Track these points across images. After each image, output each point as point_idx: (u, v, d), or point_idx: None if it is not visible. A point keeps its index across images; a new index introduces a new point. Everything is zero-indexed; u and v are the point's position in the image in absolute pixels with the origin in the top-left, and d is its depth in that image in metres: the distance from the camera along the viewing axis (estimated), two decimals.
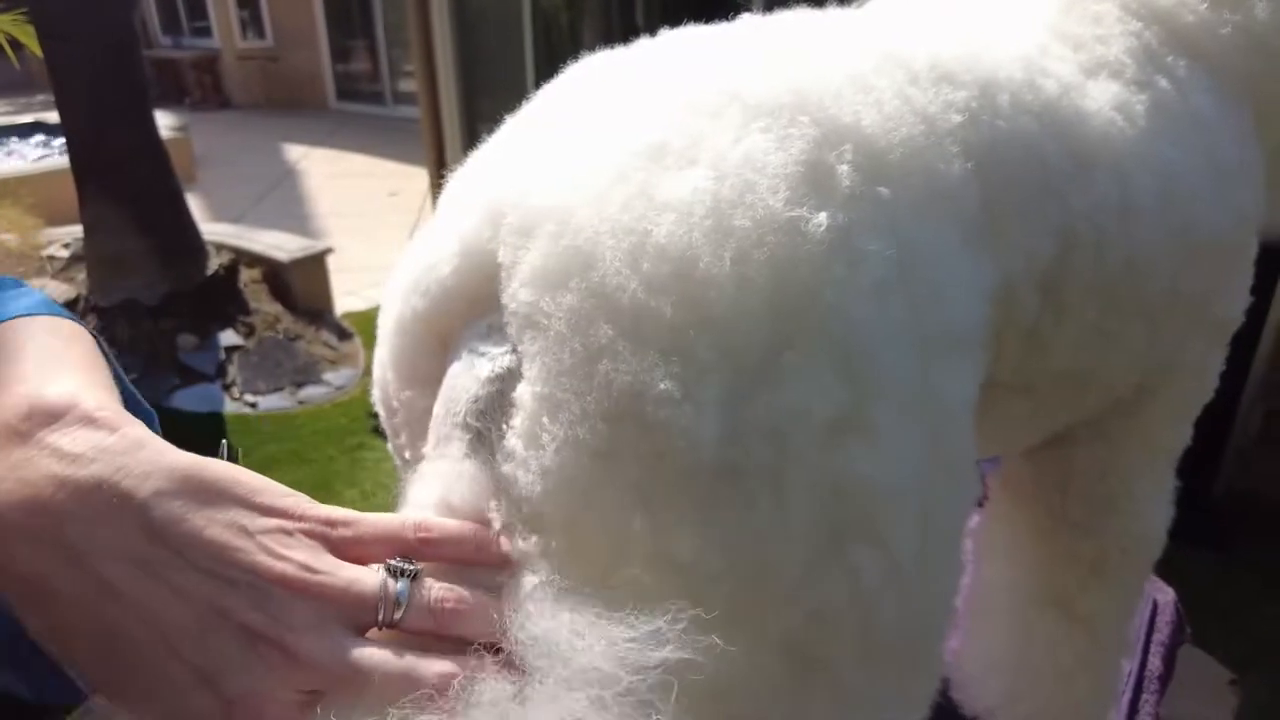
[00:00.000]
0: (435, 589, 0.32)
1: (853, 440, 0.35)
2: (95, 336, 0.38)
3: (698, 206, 0.34)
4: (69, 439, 0.29)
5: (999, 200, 0.45)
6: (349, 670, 0.30)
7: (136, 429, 0.31)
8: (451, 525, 0.34)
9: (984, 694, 0.89)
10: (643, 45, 0.44)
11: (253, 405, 3.14)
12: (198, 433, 2.85)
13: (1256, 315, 2.03)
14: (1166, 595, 1.13)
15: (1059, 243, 0.49)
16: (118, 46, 3.19)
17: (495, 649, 0.32)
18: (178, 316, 3.29)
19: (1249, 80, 0.62)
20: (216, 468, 0.31)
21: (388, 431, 0.47)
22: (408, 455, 0.44)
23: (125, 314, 3.21)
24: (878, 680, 0.38)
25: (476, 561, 0.34)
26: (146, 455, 0.30)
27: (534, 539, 0.34)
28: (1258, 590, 1.94)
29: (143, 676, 0.28)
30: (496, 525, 0.35)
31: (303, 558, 0.31)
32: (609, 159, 0.36)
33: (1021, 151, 0.47)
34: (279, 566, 0.30)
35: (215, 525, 0.30)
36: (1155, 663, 1.05)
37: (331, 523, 0.33)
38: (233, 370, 3.27)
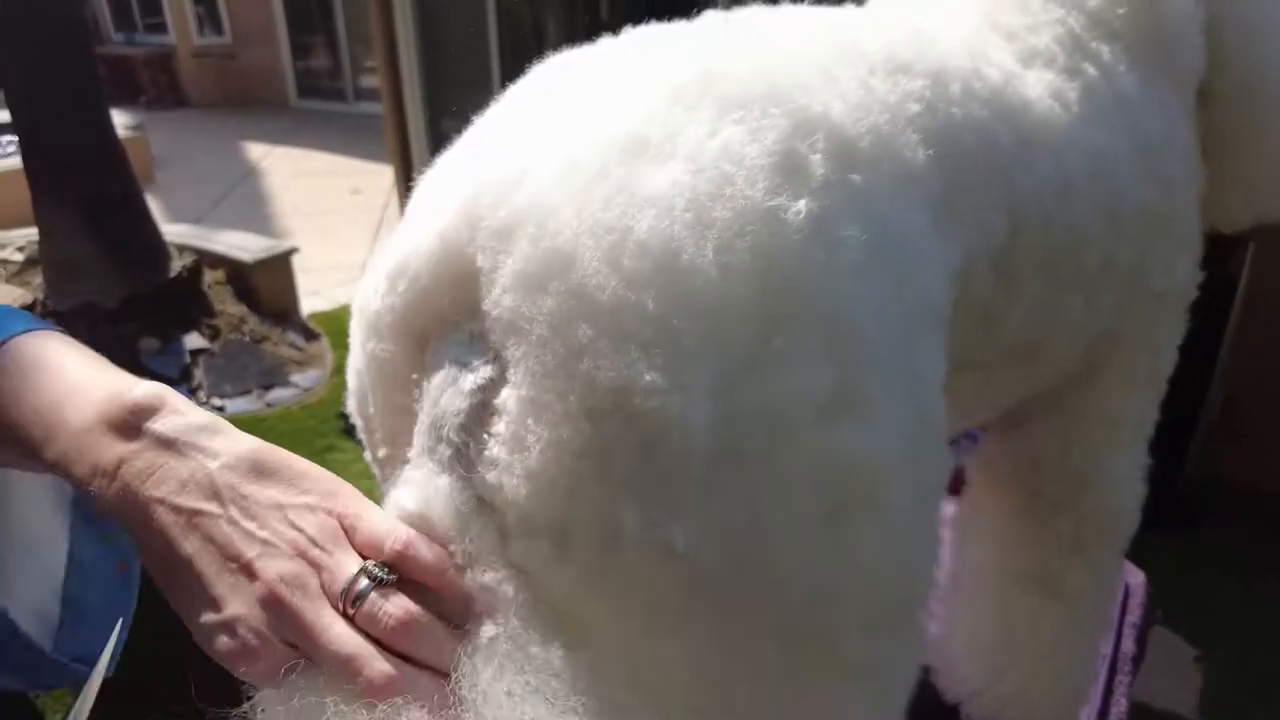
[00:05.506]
0: (392, 601, 0.35)
1: (848, 418, 0.35)
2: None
3: (678, 200, 0.34)
4: (168, 426, 0.37)
5: (957, 184, 0.46)
6: (314, 629, 0.34)
7: (210, 416, 0.39)
8: (429, 554, 0.36)
9: (968, 675, 0.91)
10: (608, 43, 0.44)
11: (219, 409, 3.08)
12: None
13: (1224, 303, 2.06)
14: (1137, 578, 1.15)
15: (1010, 223, 0.51)
16: (67, 43, 3.10)
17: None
18: (139, 320, 3.22)
19: (1161, 57, 0.65)
20: (275, 453, 0.38)
21: (364, 436, 0.47)
22: (382, 454, 0.45)
23: (84, 318, 3.14)
24: (877, 650, 0.39)
25: (438, 590, 0.36)
26: (222, 438, 0.38)
27: (504, 572, 0.36)
28: (1217, 570, 1.99)
29: (186, 596, 0.36)
30: (465, 550, 0.36)
31: (313, 532, 0.36)
32: (588, 156, 0.35)
33: (975, 137, 0.49)
34: (291, 534, 0.36)
35: (257, 496, 0.36)
36: (1128, 644, 1.07)
37: (344, 514, 0.37)
38: (198, 374, 3.21)
